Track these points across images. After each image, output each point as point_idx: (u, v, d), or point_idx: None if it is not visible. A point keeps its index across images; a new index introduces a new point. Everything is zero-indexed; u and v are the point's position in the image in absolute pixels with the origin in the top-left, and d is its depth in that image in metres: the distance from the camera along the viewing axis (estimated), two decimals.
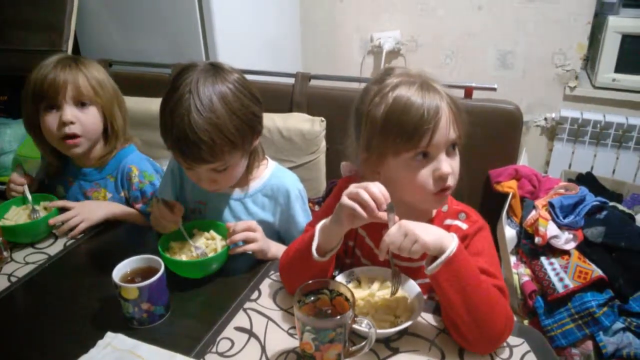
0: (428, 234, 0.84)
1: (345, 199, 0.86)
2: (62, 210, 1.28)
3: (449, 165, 0.92)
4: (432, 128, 0.89)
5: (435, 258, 0.84)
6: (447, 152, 0.93)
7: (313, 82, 1.82)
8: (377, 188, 0.85)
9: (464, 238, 0.96)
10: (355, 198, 0.85)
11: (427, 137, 0.89)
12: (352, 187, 0.86)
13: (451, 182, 0.93)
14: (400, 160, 0.93)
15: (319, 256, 0.92)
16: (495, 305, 0.85)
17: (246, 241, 1.09)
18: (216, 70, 1.06)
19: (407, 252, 0.84)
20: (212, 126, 1.00)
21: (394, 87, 0.92)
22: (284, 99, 1.80)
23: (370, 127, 0.93)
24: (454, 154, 0.94)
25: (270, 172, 1.24)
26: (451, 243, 0.84)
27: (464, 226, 0.99)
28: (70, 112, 1.28)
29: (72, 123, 1.28)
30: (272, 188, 1.22)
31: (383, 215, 0.86)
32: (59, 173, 1.45)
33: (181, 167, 1.18)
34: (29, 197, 1.30)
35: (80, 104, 1.30)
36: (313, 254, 0.92)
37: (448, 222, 1.00)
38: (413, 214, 0.94)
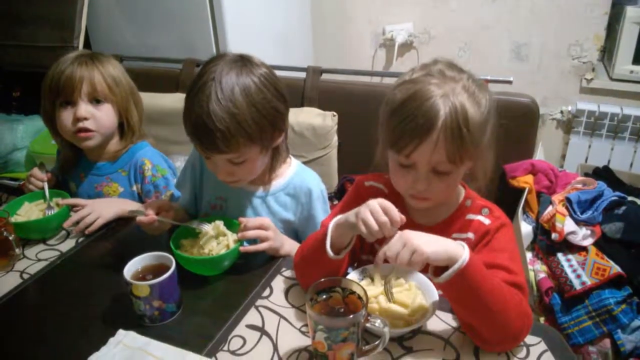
0: (429, 244, 0.80)
1: (362, 228, 0.85)
2: (73, 207, 1.28)
3: (427, 184, 0.89)
4: (414, 144, 0.86)
5: (445, 268, 0.81)
6: (435, 171, 0.89)
7: (324, 76, 1.80)
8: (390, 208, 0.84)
9: (485, 233, 0.94)
10: (370, 231, 0.84)
11: (407, 149, 0.87)
12: (369, 215, 0.84)
13: (428, 194, 0.91)
14: (390, 154, 0.93)
15: (333, 254, 0.91)
16: (512, 306, 0.83)
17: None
18: (244, 62, 1.05)
19: (406, 262, 0.80)
20: (229, 115, 0.99)
21: (419, 82, 0.88)
22: (296, 94, 1.78)
23: (382, 111, 0.93)
24: (444, 175, 0.89)
25: (293, 171, 1.22)
26: (462, 253, 0.80)
27: (487, 221, 0.96)
28: (84, 108, 1.30)
29: (85, 119, 1.31)
30: (295, 187, 1.20)
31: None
32: (72, 168, 1.46)
33: (203, 162, 1.18)
34: (48, 194, 1.31)
35: (95, 100, 1.32)
36: (328, 252, 0.91)
37: (470, 216, 0.98)
38: (434, 208, 0.95)
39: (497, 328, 0.82)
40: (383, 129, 0.93)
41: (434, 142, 0.84)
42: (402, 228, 1.01)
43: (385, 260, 0.83)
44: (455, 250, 0.81)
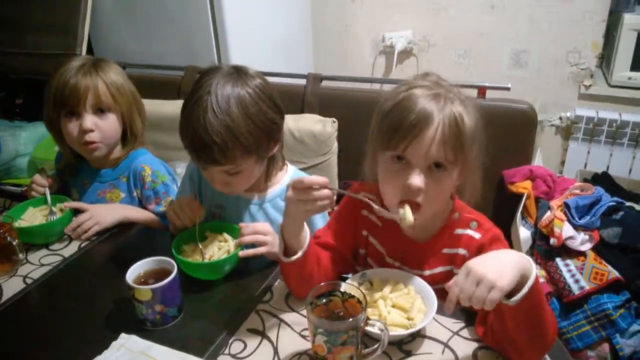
0: (504, 274, 0.72)
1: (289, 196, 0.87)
2: (77, 211, 1.30)
3: (421, 181, 0.87)
4: (412, 135, 0.85)
5: None
6: (429, 169, 0.88)
7: (325, 83, 1.82)
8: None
9: (479, 248, 0.95)
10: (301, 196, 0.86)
11: (405, 142, 0.86)
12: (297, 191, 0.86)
13: (420, 199, 0.89)
14: (383, 158, 0.92)
15: (285, 257, 0.92)
16: (552, 317, 0.83)
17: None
18: (239, 74, 1.06)
19: (481, 302, 0.72)
20: (225, 129, 1.00)
21: (410, 87, 0.90)
22: (296, 100, 1.80)
23: (374, 120, 0.94)
24: (437, 176, 0.88)
25: (289, 177, 1.24)
26: (531, 269, 0.75)
27: (477, 235, 0.97)
28: (90, 120, 1.31)
29: (91, 131, 1.31)
30: None
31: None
32: (73, 174, 1.46)
33: (200, 173, 1.20)
34: (50, 200, 1.33)
35: (100, 111, 1.33)
36: (281, 256, 0.93)
37: (459, 231, 0.98)
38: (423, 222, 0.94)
39: (542, 337, 0.81)
40: (375, 134, 0.93)
41: (431, 136, 0.85)
42: (397, 246, 1.03)
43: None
44: (524, 267, 0.75)
